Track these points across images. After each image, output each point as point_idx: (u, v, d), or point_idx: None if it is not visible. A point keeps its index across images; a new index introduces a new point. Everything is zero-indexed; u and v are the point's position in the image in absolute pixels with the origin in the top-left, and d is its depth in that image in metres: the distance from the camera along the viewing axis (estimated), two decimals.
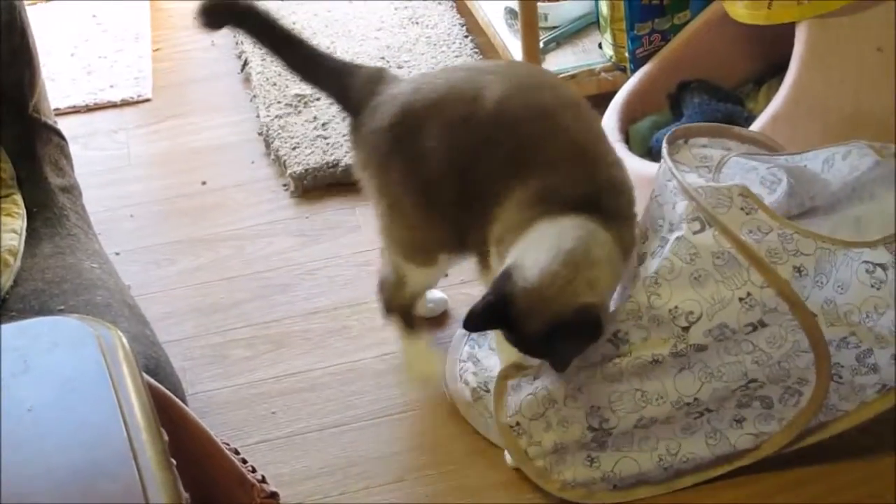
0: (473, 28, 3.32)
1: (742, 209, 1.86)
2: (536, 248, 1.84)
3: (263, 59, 3.25)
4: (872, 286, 1.80)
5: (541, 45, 2.83)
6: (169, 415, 1.46)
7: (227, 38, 3.49)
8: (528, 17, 2.73)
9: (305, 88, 3.09)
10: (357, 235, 2.65)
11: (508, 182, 1.91)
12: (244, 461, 1.67)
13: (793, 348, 1.83)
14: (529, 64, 2.15)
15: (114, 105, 3.25)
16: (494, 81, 1.96)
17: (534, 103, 1.94)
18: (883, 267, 1.80)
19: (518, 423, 1.99)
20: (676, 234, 1.87)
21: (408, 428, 2.16)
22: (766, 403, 1.91)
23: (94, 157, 3.03)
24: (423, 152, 1.96)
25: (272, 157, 2.93)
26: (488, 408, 2.10)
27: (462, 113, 1.94)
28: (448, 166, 1.95)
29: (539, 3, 2.80)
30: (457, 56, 3.18)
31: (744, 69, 2.66)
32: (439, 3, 3.47)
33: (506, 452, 2.04)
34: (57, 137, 2.32)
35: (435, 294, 2.37)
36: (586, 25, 3.01)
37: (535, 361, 1.97)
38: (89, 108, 3.25)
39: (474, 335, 2.26)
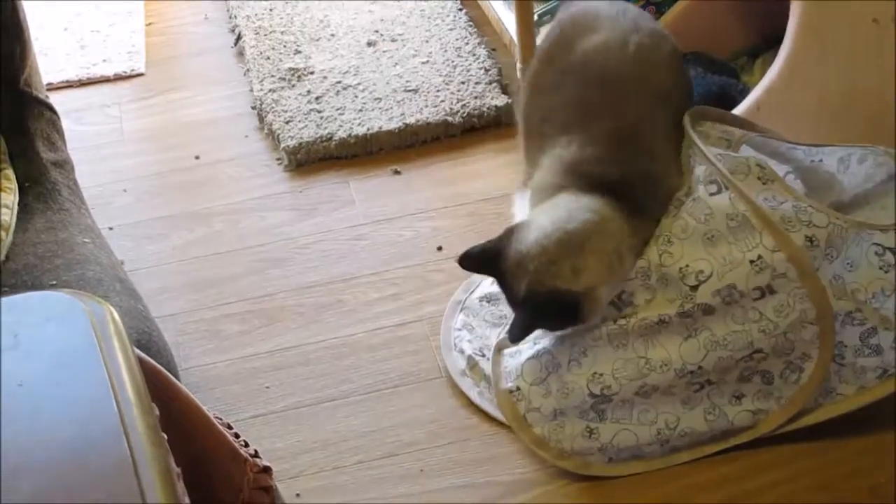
0: (467, 1, 3.30)
1: (759, 178, 1.88)
2: (547, 217, 1.86)
3: (257, 34, 3.24)
4: (881, 268, 1.82)
5: (535, 17, 2.82)
6: (160, 389, 1.45)
7: (221, 13, 3.48)
8: None
9: (299, 62, 3.08)
10: (351, 209, 2.64)
11: (559, 133, 1.96)
12: (237, 436, 1.67)
13: (799, 318, 1.83)
14: (661, 33, 2.10)
15: (107, 80, 3.24)
16: (625, 32, 2.01)
17: (628, 71, 1.98)
18: (892, 251, 1.82)
19: (518, 388, 2.00)
20: (693, 196, 1.88)
21: (401, 402, 2.16)
22: (766, 379, 1.91)
23: (88, 131, 3.02)
24: (549, 75, 2.07)
25: (266, 131, 2.92)
26: (484, 374, 2.11)
27: (586, 48, 2.01)
28: (547, 92, 2.04)
29: None
30: (451, 29, 3.17)
31: (739, 42, 2.65)
32: None
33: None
34: (49, 112, 2.31)
35: None
36: None
37: None
38: (82, 83, 3.23)
39: (469, 304, 2.27)
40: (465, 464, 2.03)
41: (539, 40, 2.79)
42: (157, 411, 1.21)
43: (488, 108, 2.86)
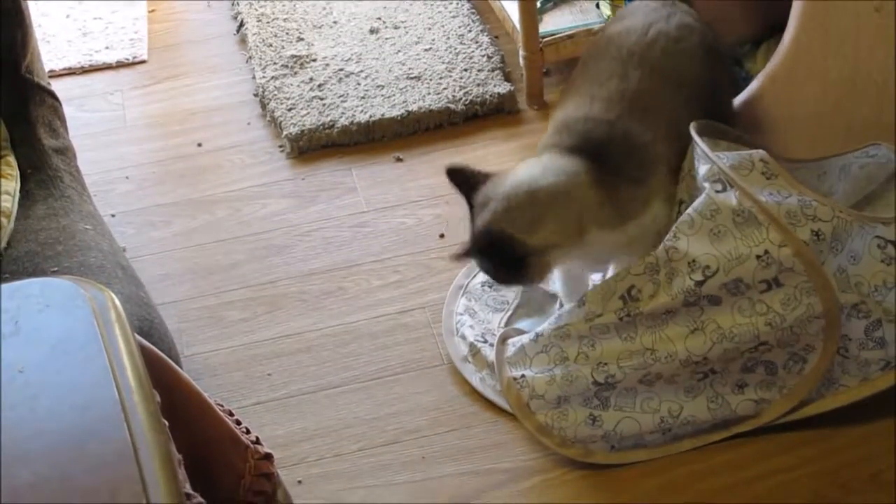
0: None
1: (763, 174, 1.88)
2: (525, 171, 1.95)
3: (259, 21, 3.23)
4: (883, 261, 1.82)
5: (538, 4, 2.81)
6: (162, 376, 1.45)
7: (223, 0, 3.47)
8: None
9: (301, 49, 3.08)
10: (353, 197, 2.64)
11: (565, 96, 2.09)
12: (238, 422, 1.66)
13: (806, 312, 1.84)
14: (692, 26, 2.14)
15: (109, 67, 3.24)
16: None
17: (643, 52, 2.06)
18: (894, 244, 1.81)
19: (522, 376, 2.00)
20: (699, 193, 1.90)
21: (403, 389, 2.16)
22: (770, 369, 1.91)
23: (90, 118, 3.02)
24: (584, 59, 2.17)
25: (268, 118, 2.92)
26: (487, 362, 2.11)
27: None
28: (577, 75, 2.14)
29: None
30: (453, 17, 3.17)
31: (742, 29, 2.64)
32: None
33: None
34: (51, 99, 2.31)
35: None
36: None
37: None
38: (85, 70, 3.23)
39: (470, 288, 2.29)
40: (467, 451, 2.03)
41: (541, 28, 2.79)
42: (158, 398, 1.21)
43: (491, 96, 2.85)
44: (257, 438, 1.67)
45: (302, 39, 3.14)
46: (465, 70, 2.94)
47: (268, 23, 3.22)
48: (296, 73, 3.01)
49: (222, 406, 1.65)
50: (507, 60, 2.99)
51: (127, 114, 3.04)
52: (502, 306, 2.24)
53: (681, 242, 1.88)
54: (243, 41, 3.24)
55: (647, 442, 1.98)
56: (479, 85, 2.88)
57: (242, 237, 2.57)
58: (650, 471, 1.96)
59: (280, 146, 2.83)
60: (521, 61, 2.82)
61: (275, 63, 3.06)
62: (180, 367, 1.62)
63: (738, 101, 2.29)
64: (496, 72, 2.93)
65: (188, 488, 1.25)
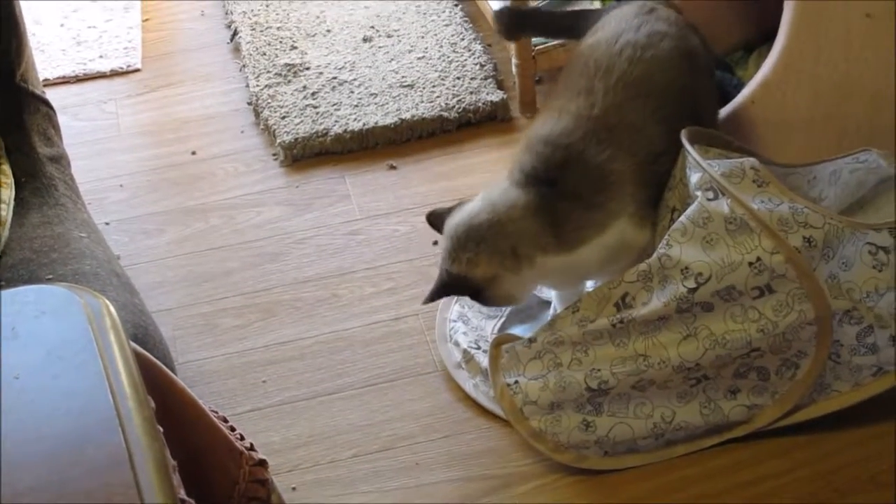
0: None
1: (754, 181, 1.89)
2: (475, 203, 2.01)
3: (253, 29, 3.24)
4: (874, 267, 1.83)
5: None
6: (157, 383, 1.45)
7: (217, 9, 3.48)
8: None
9: (295, 58, 3.08)
10: (346, 204, 2.65)
11: (542, 109, 2.18)
12: (233, 429, 1.67)
13: (798, 319, 1.84)
14: (662, 33, 2.13)
15: (103, 75, 3.25)
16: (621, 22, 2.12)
17: (610, 63, 2.05)
18: (885, 250, 1.83)
19: (516, 382, 2.00)
20: (691, 201, 1.91)
21: (397, 396, 2.17)
22: (762, 375, 1.92)
23: (84, 127, 3.02)
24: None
25: (262, 126, 2.93)
26: (481, 368, 2.11)
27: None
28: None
29: None
30: (446, 24, 3.18)
31: (734, 36, 2.65)
32: None
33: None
34: (45, 107, 2.31)
35: None
36: None
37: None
38: (79, 79, 3.24)
39: (465, 298, 2.29)
40: (460, 457, 2.04)
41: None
42: (153, 404, 1.21)
43: (484, 104, 2.86)
44: (252, 445, 1.67)
45: (295, 48, 3.15)
46: (458, 78, 2.95)
47: (261, 32, 3.23)
48: (289, 81, 3.02)
49: (217, 412, 1.65)
50: (500, 68, 3.00)
51: (121, 122, 3.05)
52: (495, 313, 2.25)
53: (673, 250, 1.89)
54: (237, 50, 3.25)
55: (640, 447, 1.98)
56: (472, 93, 2.89)
57: (236, 245, 2.57)
58: (643, 476, 1.97)
59: (274, 154, 2.84)
60: (514, 69, 2.83)
61: (268, 71, 3.06)
62: (175, 374, 1.62)
63: (729, 107, 2.30)
64: (489, 80, 2.94)
65: (183, 494, 1.25)
